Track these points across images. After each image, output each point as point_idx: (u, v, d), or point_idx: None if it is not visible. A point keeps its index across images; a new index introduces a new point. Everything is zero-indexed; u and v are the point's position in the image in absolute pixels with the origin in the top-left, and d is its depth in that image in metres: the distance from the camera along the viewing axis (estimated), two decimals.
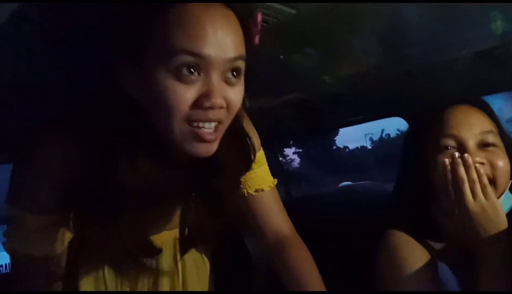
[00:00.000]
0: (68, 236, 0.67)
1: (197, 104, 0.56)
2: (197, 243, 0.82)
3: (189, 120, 0.57)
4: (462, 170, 0.71)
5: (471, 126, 0.76)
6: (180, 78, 0.55)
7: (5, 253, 0.66)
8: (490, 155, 0.75)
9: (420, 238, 0.79)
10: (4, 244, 0.66)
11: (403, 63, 1.12)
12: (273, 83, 1.11)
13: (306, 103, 1.37)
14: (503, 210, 0.72)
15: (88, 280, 0.75)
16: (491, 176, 0.74)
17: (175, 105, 0.55)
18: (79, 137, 0.60)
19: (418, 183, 0.80)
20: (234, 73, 0.59)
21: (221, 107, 0.58)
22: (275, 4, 0.72)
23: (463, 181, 0.71)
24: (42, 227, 0.63)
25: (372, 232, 0.82)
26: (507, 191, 0.76)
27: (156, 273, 0.79)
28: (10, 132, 0.96)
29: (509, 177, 0.76)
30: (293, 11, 0.75)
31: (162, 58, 0.54)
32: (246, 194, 0.81)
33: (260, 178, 0.82)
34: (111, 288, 0.75)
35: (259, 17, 0.66)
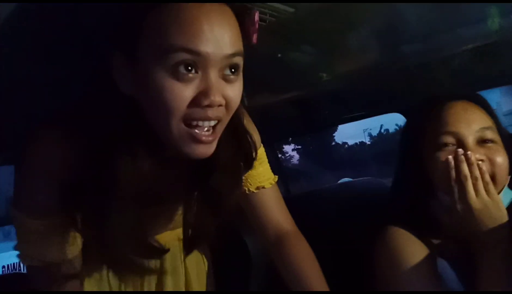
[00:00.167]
0: (79, 239, 0.66)
1: (195, 102, 0.55)
2: (201, 243, 0.82)
3: (188, 120, 0.56)
4: (465, 167, 0.72)
5: (470, 123, 0.76)
6: (177, 77, 0.54)
7: (8, 254, 0.66)
8: (489, 152, 0.75)
9: (419, 234, 0.79)
10: (15, 248, 0.66)
11: (400, 60, 1.12)
12: (271, 80, 1.11)
13: (304, 101, 1.37)
14: (504, 206, 0.73)
15: (90, 281, 0.75)
16: (490, 172, 0.74)
17: (173, 104, 0.54)
18: (77, 137, 0.60)
19: (417, 179, 0.80)
20: (232, 69, 0.58)
21: (220, 105, 0.57)
22: (273, 3, 0.71)
23: (466, 178, 0.71)
24: (47, 231, 0.63)
25: (371, 229, 0.82)
26: (506, 187, 0.77)
27: (159, 273, 0.79)
28: (8, 133, 0.96)
29: (508, 173, 0.76)
30: (291, 10, 0.74)
31: (159, 57, 0.53)
32: (247, 191, 0.81)
33: (261, 175, 0.82)
34: (114, 288, 0.76)
35: (257, 16, 0.64)
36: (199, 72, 0.55)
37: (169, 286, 0.80)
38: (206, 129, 0.58)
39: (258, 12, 0.65)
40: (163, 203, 0.72)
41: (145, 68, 0.55)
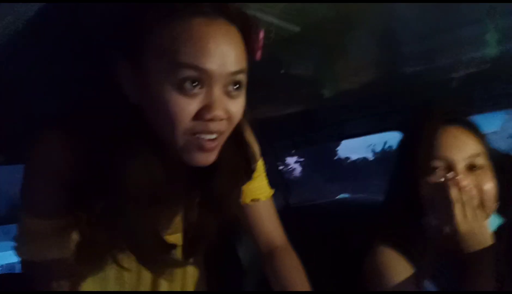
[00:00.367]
0: (75, 237, 0.67)
1: (199, 116, 0.57)
2: (200, 248, 0.83)
3: (191, 133, 0.58)
4: (455, 192, 0.74)
5: (461, 149, 0.78)
6: (183, 91, 0.56)
7: (5, 253, 0.67)
8: (478, 178, 0.77)
9: (408, 252, 0.81)
10: (15, 249, 0.67)
11: (400, 80, 1.14)
12: (274, 95, 1.12)
13: (306, 115, 1.39)
14: (490, 231, 0.75)
15: (88, 280, 0.75)
16: (478, 198, 0.76)
17: (177, 117, 0.56)
18: (82, 140, 0.61)
19: (407, 199, 0.82)
20: (236, 86, 0.60)
21: (222, 119, 0.59)
22: (279, 22, 0.72)
23: (454, 202, 0.74)
24: (48, 231, 0.64)
25: (362, 245, 0.84)
26: (493, 213, 0.78)
27: (156, 280, 0.80)
28: (7, 133, 0.97)
29: (496, 199, 0.78)
30: (296, 29, 0.75)
31: (165, 72, 0.55)
32: (242, 203, 0.83)
33: (257, 188, 0.84)
34: (112, 287, 0.77)
35: (261, 34, 0.66)
36: (204, 88, 0.57)
37: (164, 288, 0.81)
38: (208, 138, 0.60)
39: (263, 30, 0.67)
40: (162, 208, 0.72)
41: (151, 80, 0.57)
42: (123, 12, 0.59)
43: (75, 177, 0.62)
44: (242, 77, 0.60)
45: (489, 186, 0.77)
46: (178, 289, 0.84)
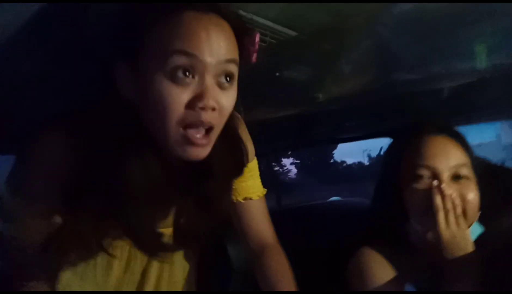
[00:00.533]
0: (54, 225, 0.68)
1: (190, 105, 0.58)
2: (188, 243, 0.84)
3: (183, 124, 0.59)
4: (439, 199, 0.76)
5: (447, 159, 0.79)
6: (175, 81, 0.57)
7: None
8: (462, 187, 0.78)
9: (392, 256, 0.83)
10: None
11: (392, 88, 1.15)
12: (268, 97, 1.13)
13: (300, 118, 1.40)
14: (471, 239, 0.77)
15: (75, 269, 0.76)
16: (461, 207, 0.77)
17: (170, 106, 0.58)
18: (81, 139, 0.63)
19: (392, 205, 0.84)
20: (227, 78, 0.61)
21: (213, 109, 0.60)
22: (274, 25, 0.73)
23: (438, 209, 0.75)
24: (34, 214, 0.66)
25: (348, 248, 0.86)
26: (475, 222, 0.80)
27: (145, 271, 0.81)
28: (8, 133, 0.97)
29: (478, 209, 0.80)
30: (293, 33, 0.76)
31: (158, 61, 0.57)
32: (235, 200, 0.84)
33: (250, 187, 0.85)
34: (99, 276, 0.77)
35: (257, 37, 0.67)
36: (196, 77, 0.59)
37: (151, 281, 0.82)
38: (200, 134, 0.61)
39: (259, 33, 0.68)
40: (155, 203, 0.73)
41: (145, 74, 0.58)
42: (121, 14, 0.60)
43: (73, 176, 0.64)
44: (233, 68, 0.62)
45: (472, 195, 0.78)
46: (167, 275, 0.84)
